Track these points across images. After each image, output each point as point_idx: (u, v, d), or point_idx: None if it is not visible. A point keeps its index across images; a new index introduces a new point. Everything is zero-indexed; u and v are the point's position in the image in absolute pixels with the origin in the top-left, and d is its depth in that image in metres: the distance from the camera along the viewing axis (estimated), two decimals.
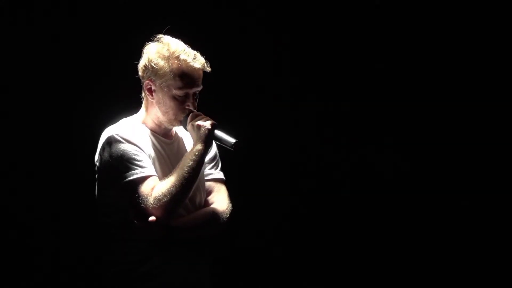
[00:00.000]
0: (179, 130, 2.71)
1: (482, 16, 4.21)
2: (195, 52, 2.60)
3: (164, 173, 2.55)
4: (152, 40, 2.61)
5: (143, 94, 2.64)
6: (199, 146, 2.53)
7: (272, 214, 4.24)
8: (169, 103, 2.57)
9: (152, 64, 2.55)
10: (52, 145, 3.89)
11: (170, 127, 2.65)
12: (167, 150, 2.63)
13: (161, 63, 2.55)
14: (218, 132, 2.56)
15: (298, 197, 4.30)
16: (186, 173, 2.48)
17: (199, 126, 2.55)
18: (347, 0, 4.25)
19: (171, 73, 2.55)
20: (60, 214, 3.91)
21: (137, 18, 3.90)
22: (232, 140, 2.54)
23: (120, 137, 2.51)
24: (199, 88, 2.60)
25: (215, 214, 2.62)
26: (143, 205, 2.46)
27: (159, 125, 2.63)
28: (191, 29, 2.93)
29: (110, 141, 2.51)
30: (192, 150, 2.54)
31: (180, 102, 2.58)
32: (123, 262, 2.56)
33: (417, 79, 4.28)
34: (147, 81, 2.58)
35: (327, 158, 4.29)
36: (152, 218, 2.45)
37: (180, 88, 2.56)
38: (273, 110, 4.25)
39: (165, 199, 2.45)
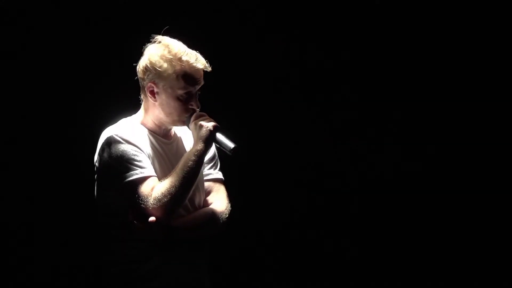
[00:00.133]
0: (178, 130, 2.71)
1: (482, 16, 4.21)
2: (195, 52, 2.61)
3: (163, 173, 2.56)
4: (151, 42, 2.61)
5: (142, 96, 2.64)
6: (199, 146, 2.53)
7: (272, 214, 4.24)
8: (173, 104, 2.58)
9: (155, 67, 2.55)
10: (52, 145, 3.89)
11: (171, 127, 2.65)
12: (166, 150, 2.63)
13: (165, 65, 2.55)
14: (219, 135, 2.56)
15: (298, 197, 4.29)
16: (186, 173, 2.49)
17: (201, 126, 2.55)
18: (347, 0, 4.25)
19: (175, 74, 2.55)
20: (60, 214, 3.91)
21: (137, 18, 3.89)
22: (231, 145, 2.55)
23: (120, 137, 2.52)
24: (200, 85, 2.61)
25: (214, 214, 2.62)
26: (143, 206, 2.46)
27: (159, 125, 2.64)
28: (191, 29, 2.93)
29: (110, 142, 2.52)
30: (192, 150, 2.54)
31: (183, 102, 2.58)
32: (123, 262, 2.56)
33: (417, 78, 4.28)
34: (150, 84, 2.58)
35: (328, 158, 4.29)
36: (152, 218, 2.45)
37: (183, 88, 2.56)
38: (273, 110, 4.24)
39: (165, 199, 2.45)
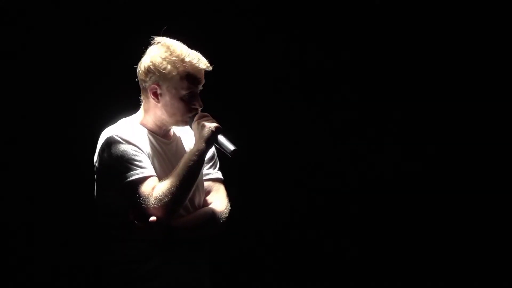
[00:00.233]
0: (176, 130, 2.72)
1: (482, 16, 4.21)
2: (196, 52, 2.61)
3: (163, 173, 2.56)
4: (150, 43, 2.62)
5: (142, 97, 2.64)
6: (200, 146, 2.54)
7: (272, 214, 4.24)
8: (177, 105, 2.58)
9: (159, 69, 2.56)
10: (52, 145, 3.89)
11: (173, 127, 2.66)
12: (166, 150, 2.64)
13: (168, 67, 2.56)
14: (220, 137, 2.57)
15: (298, 197, 4.29)
16: (187, 173, 2.49)
17: (203, 126, 2.56)
18: (347, 0, 4.26)
19: (178, 76, 2.56)
20: (60, 214, 3.91)
21: (137, 18, 3.90)
22: (232, 147, 2.55)
23: (120, 137, 2.52)
24: (202, 84, 2.62)
25: (214, 214, 2.62)
26: (144, 205, 2.46)
27: (160, 126, 2.64)
28: (190, 29, 2.93)
29: (110, 142, 2.52)
30: (193, 150, 2.54)
31: (186, 102, 2.59)
32: (123, 262, 2.56)
33: (417, 78, 4.28)
34: (153, 85, 2.58)
35: (328, 158, 4.29)
36: (153, 218, 2.46)
37: (186, 89, 2.57)
38: (273, 110, 4.24)
39: (166, 199, 2.46)
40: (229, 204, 2.69)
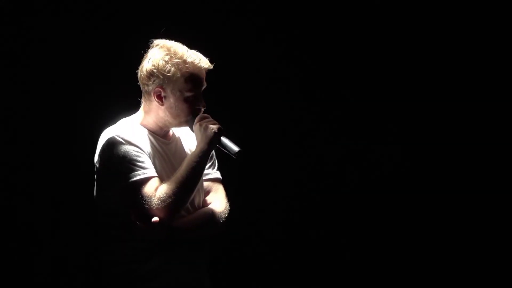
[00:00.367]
0: (175, 131, 2.72)
1: (482, 16, 4.21)
2: (196, 51, 2.62)
3: (164, 173, 2.56)
4: (149, 46, 2.61)
5: (143, 99, 2.64)
6: (203, 148, 2.54)
7: (271, 214, 4.24)
8: (181, 106, 2.58)
9: (163, 72, 2.55)
10: (52, 145, 3.89)
11: (171, 127, 2.66)
12: (166, 150, 2.64)
13: (172, 69, 2.56)
14: (223, 138, 2.57)
15: (298, 197, 4.30)
16: (190, 174, 2.50)
17: (206, 128, 2.56)
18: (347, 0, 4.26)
19: (182, 77, 2.56)
20: (60, 214, 3.91)
21: (136, 19, 3.90)
22: (236, 148, 2.55)
23: (121, 138, 2.52)
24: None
25: (214, 214, 2.63)
26: (146, 206, 2.46)
27: (162, 127, 2.64)
28: (190, 30, 2.94)
29: (111, 143, 2.52)
30: (195, 151, 2.55)
31: (191, 103, 2.59)
32: (123, 262, 2.56)
33: (418, 78, 4.28)
34: (157, 89, 2.57)
35: (328, 158, 4.29)
36: (155, 219, 2.46)
37: (191, 90, 2.57)
38: (272, 110, 4.24)
39: (169, 200, 2.46)
40: (228, 204, 2.69)
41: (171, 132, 2.70)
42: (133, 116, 2.67)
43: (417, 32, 4.25)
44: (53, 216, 3.91)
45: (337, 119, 4.29)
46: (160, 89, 2.58)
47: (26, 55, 3.87)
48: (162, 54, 2.57)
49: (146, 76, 2.58)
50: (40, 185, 3.90)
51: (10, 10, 3.83)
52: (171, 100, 2.58)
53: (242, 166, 2.94)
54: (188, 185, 2.49)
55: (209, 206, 2.66)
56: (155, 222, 2.45)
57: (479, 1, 4.20)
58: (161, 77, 2.56)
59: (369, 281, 4.29)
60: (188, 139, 2.72)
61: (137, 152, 2.51)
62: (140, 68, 2.62)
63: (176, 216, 2.51)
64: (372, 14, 4.25)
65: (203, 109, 2.62)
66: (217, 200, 2.68)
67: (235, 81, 4.12)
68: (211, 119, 2.60)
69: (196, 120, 2.59)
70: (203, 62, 2.59)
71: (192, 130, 2.61)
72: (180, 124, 2.63)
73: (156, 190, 2.47)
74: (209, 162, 2.72)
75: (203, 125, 2.57)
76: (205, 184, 2.70)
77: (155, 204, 2.46)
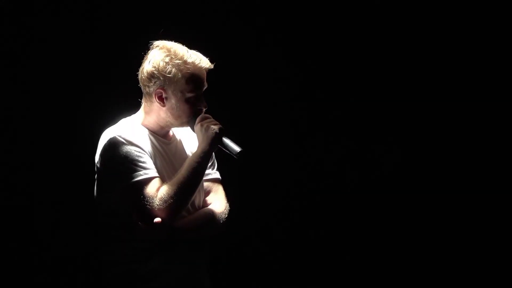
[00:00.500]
0: (176, 131, 2.72)
1: (482, 16, 4.22)
2: (196, 51, 2.62)
3: (165, 173, 2.57)
4: (149, 48, 2.61)
5: (143, 100, 2.64)
6: (205, 148, 2.54)
7: (271, 214, 4.24)
8: (183, 107, 2.58)
9: (163, 73, 2.56)
10: (52, 145, 3.89)
11: (173, 127, 2.66)
12: (167, 150, 2.64)
13: (173, 70, 2.56)
14: (225, 139, 2.57)
15: (298, 197, 4.30)
16: (191, 175, 2.50)
17: (207, 128, 2.56)
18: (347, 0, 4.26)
19: (183, 78, 2.56)
20: (60, 214, 3.91)
21: (136, 19, 3.90)
22: (237, 148, 2.55)
23: (123, 138, 2.52)
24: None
25: (214, 215, 2.63)
26: (148, 207, 2.47)
27: (163, 127, 2.64)
28: (190, 30, 2.94)
29: (113, 143, 2.52)
30: (197, 152, 2.55)
31: (192, 104, 2.59)
32: (123, 262, 2.56)
33: (418, 78, 4.28)
34: (158, 90, 2.58)
35: (327, 158, 4.29)
36: (157, 219, 2.46)
37: (192, 91, 2.57)
38: (272, 110, 4.24)
39: (171, 200, 2.46)
40: (228, 205, 2.69)
41: (171, 132, 2.70)
42: (133, 116, 2.67)
43: (417, 32, 4.25)
44: (53, 216, 3.91)
45: (337, 119, 4.29)
46: (161, 91, 2.58)
47: (26, 55, 3.87)
48: (162, 55, 2.57)
49: (147, 77, 2.58)
50: (40, 185, 3.90)
51: (10, 10, 3.83)
52: (172, 101, 2.58)
53: (242, 166, 2.95)
54: (189, 186, 2.49)
55: (209, 207, 2.66)
56: (157, 223, 2.45)
57: (479, 1, 4.20)
58: (162, 78, 2.56)
59: (369, 281, 4.29)
60: (189, 139, 2.73)
61: (139, 152, 2.51)
62: (140, 69, 2.62)
63: (178, 216, 2.51)
64: (372, 14, 4.25)
65: (204, 110, 2.62)
66: (217, 201, 2.69)
67: (235, 81, 4.11)
68: (212, 119, 2.60)
69: (197, 121, 2.59)
70: (204, 62, 2.59)
71: (194, 131, 2.62)
72: (181, 125, 2.63)
73: (158, 191, 2.47)
74: (209, 162, 2.72)
75: (205, 125, 2.57)
76: (205, 184, 2.70)
77: (157, 204, 2.46)
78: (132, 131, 2.56)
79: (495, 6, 4.19)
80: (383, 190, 4.28)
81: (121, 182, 2.49)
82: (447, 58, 4.26)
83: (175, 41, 2.62)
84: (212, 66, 2.62)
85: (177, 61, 2.56)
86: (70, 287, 3.94)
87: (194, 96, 2.58)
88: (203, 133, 2.56)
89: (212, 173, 2.74)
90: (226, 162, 2.77)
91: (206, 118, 2.60)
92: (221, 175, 2.77)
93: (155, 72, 2.56)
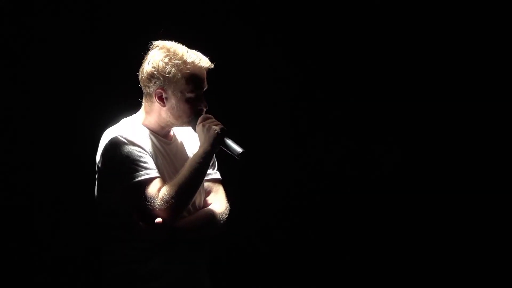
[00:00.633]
0: (177, 131, 2.72)
1: (482, 16, 4.22)
2: (195, 51, 2.62)
3: (166, 173, 2.57)
4: (149, 48, 2.61)
5: (144, 100, 2.64)
6: (206, 149, 2.54)
7: (271, 214, 4.24)
8: (183, 107, 2.58)
9: (163, 73, 2.55)
10: (52, 145, 3.88)
11: (174, 127, 2.66)
12: (167, 150, 2.64)
13: (173, 70, 2.55)
14: (226, 139, 2.57)
15: (298, 197, 4.29)
16: (193, 175, 2.50)
17: (209, 129, 2.55)
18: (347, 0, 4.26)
19: (183, 78, 2.56)
20: (60, 214, 3.91)
21: (136, 19, 3.90)
22: (239, 149, 2.55)
23: (124, 138, 2.52)
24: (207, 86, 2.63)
25: (214, 215, 2.63)
26: (149, 207, 2.46)
27: (164, 127, 2.64)
28: (190, 30, 2.94)
29: (114, 143, 2.51)
30: (198, 152, 2.55)
31: (192, 104, 2.59)
32: (123, 262, 2.56)
33: (418, 78, 4.28)
34: (158, 90, 2.57)
35: (327, 158, 4.29)
36: (159, 220, 2.46)
37: (192, 91, 2.57)
38: (272, 110, 4.24)
39: (173, 200, 2.46)
40: (228, 205, 2.69)
41: (172, 132, 2.70)
42: (134, 116, 2.67)
43: (417, 32, 4.25)
44: (53, 216, 3.91)
45: (337, 119, 4.29)
46: (161, 91, 2.57)
47: (26, 55, 3.87)
48: (162, 55, 2.57)
49: (147, 78, 2.58)
50: (40, 185, 3.90)
51: (10, 10, 3.83)
52: (172, 101, 2.58)
53: (242, 166, 2.95)
54: (191, 186, 2.49)
55: (210, 207, 2.66)
56: (158, 223, 2.45)
57: (479, 1, 4.20)
58: (162, 78, 2.56)
59: (369, 281, 4.29)
60: (190, 139, 2.72)
61: (140, 152, 2.51)
62: (140, 70, 2.61)
63: (179, 216, 2.51)
64: (372, 14, 4.25)
65: (205, 109, 2.62)
66: (218, 201, 2.69)
67: (235, 81, 4.11)
68: (214, 119, 2.60)
69: (199, 121, 2.59)
70: (204, 61, 2.59)
71: (195, 131, 2.61)
72: (182, 124, 2.63)
73: (159, 191, 2.47)
74: None
75: (206, 125, 2.57)
76: (206, 184, 2.70)
77: (158, 205, 2.46)
78: (133, 131, 2.56)
79: (495, 6, 4.19)
80: (383, 190, 4.28)
81: (122, 182, 2.49)
82: (447, 58, 4.26)
83: (175, 41, 2.62)
84: (212, 66, 2.62)
85: (177, 61, 2.55)
86: (70, 287, 3.94)
87: (194, 96, 2.58)
88: (204, 134, 2.56)
89: (213, 173, 2.74)
90: (226, 162, 2.77)
91: (208, 118, 2.60)
92: (221, 175, 2.77)
93: (155, 72, 2.56)
